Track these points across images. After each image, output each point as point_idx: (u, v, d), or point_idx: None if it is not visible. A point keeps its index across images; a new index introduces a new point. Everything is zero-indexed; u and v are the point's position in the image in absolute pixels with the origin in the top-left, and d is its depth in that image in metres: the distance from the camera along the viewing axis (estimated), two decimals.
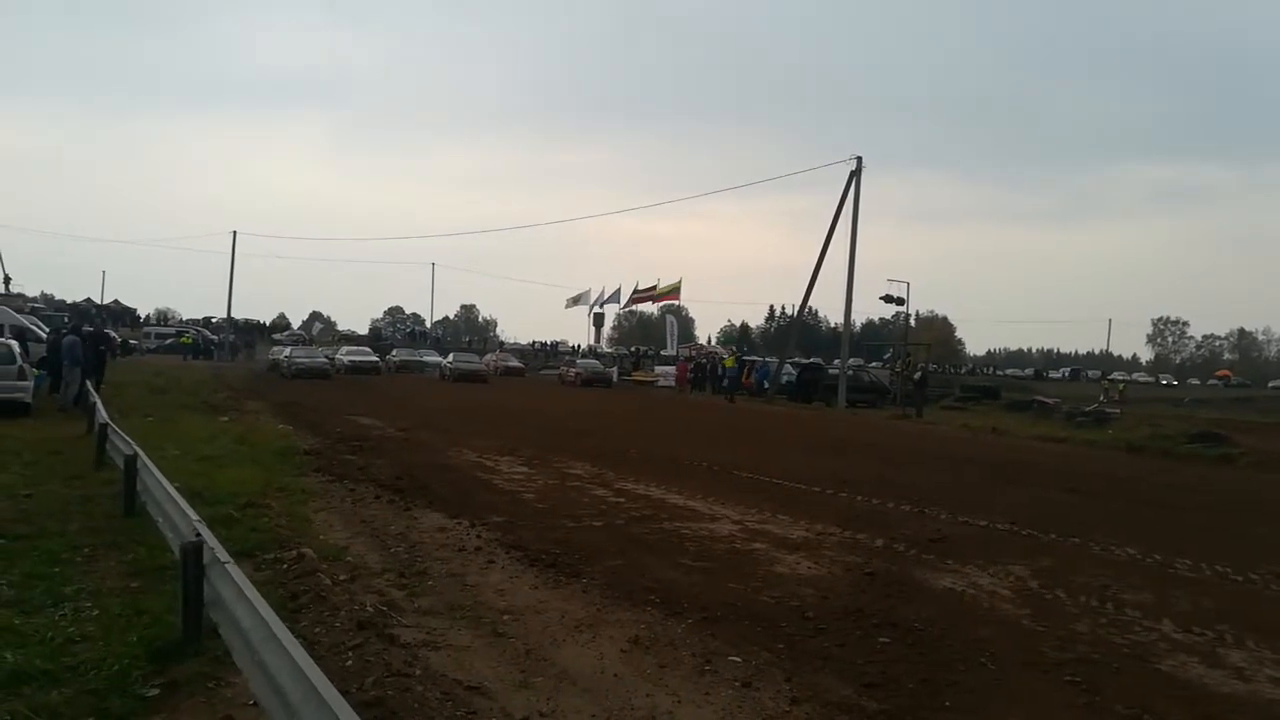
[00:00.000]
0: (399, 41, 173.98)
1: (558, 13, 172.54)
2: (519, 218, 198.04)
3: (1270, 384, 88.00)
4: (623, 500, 10.38)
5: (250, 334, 68.79)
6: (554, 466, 13.05)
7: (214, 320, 71.31)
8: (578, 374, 45.17)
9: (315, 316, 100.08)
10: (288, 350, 43.95)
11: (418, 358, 51.82)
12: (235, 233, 65.45)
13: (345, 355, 45.71)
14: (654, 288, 60.47)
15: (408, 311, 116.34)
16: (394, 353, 54.16)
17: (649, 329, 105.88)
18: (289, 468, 11.57)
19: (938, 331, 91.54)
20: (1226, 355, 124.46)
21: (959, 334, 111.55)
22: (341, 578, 6.27)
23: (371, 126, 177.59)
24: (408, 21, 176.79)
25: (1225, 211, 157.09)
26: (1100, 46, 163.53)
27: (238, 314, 71.12)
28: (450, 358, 46.61)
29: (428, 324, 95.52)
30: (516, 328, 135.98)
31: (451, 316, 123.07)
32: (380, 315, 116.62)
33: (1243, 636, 5.85)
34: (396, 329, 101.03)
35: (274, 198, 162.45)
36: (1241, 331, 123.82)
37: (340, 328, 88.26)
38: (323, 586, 5.92)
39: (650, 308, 77.96)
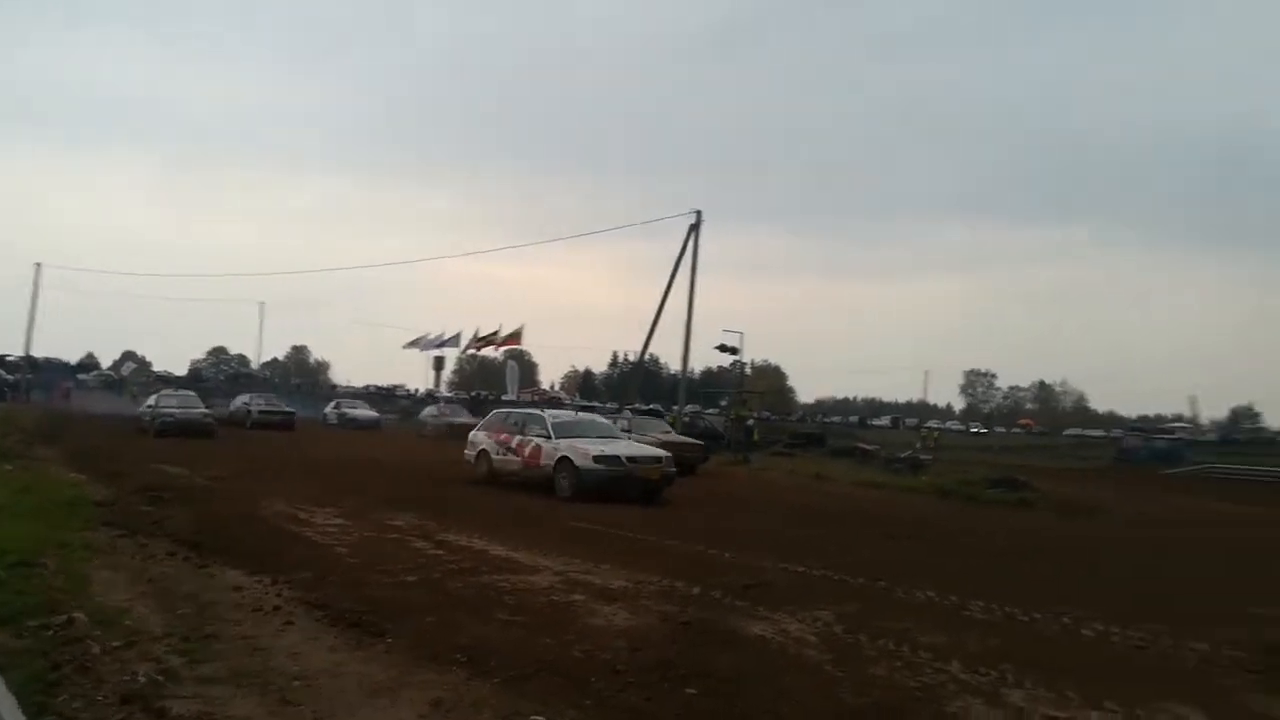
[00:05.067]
0: (233, 76, 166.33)
1: (400, 53, 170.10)
2: (357, 258, 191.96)
3: (1065, 432, 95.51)
4: (443, 553, 10.06)
5: (53, 374, 63.26)
6: (373, 518, 12.54)
7: (9, 358, 65.12)
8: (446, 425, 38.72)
9: (128, 355, 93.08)
10: (151, 398, 33.88)
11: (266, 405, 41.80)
12: (39, 264, 60.47)
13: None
14: (495, 333, 59.79)
15: (233, 352, 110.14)
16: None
17: (490, 373, 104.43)
18: (75, 521, 10.57)
19: (770, 380, 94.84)
20: (1029, 405, 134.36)
21: (790, 382, 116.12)
22: (115, 644, 5.72)
23: (201, 162, 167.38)
24: (243, 54, 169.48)
25: (1031, 271, 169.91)
26: (926, 112, 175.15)
27: (38, 352, 65.40)
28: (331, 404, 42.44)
29: (254, 365, 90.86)
30: (350, 370, 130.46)
31: (281, 358, 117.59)
32: (202, 356, 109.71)
33: (1023, 676, 6.16)
34: (220, 370, 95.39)
35: (87, 233, 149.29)
36: (1041, 383, 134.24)
37: (156, 368, 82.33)
38: (89, 655, 5.39)
39: (492, 351, 77.09)
